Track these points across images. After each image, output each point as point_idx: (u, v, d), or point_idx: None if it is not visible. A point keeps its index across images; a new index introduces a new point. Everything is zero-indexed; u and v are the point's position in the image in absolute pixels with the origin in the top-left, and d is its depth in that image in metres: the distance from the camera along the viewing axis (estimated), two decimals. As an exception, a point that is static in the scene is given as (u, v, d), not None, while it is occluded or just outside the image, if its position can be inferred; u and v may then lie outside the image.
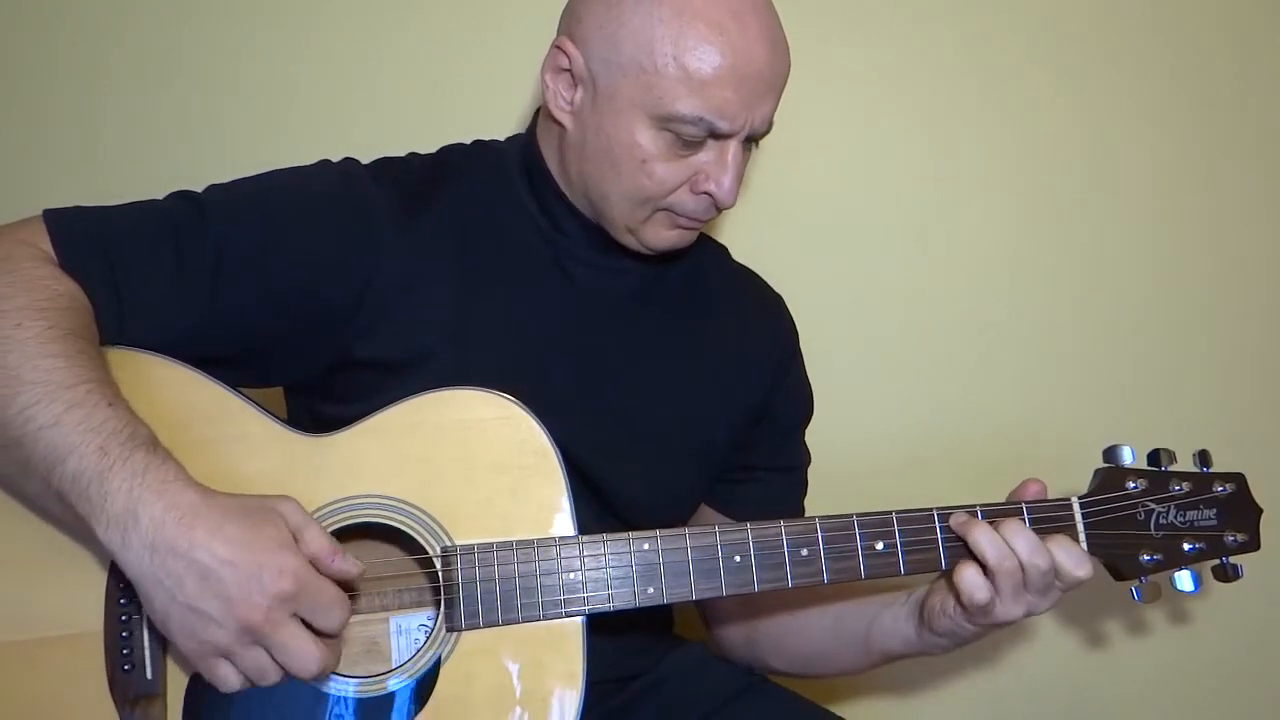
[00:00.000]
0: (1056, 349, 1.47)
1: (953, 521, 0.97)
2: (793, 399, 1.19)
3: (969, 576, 0.96)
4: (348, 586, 0.93)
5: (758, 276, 1.22)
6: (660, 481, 1.07)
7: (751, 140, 1.02)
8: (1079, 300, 1.47)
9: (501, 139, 1.13)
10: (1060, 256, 1.47)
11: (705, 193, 1.00)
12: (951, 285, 1.46)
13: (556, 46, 1.02)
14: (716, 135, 0.98)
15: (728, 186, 0.99)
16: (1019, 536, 0.95)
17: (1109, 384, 1.47)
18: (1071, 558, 0.96)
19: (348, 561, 0.85)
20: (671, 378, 1.09)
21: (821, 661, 1.14)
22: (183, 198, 0.98)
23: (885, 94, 1.44)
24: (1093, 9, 1.45)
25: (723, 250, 1.21)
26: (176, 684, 0.87)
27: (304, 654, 0.81)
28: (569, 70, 1.01)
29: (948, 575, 0.99)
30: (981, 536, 0.95)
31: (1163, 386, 1.48)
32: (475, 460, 0.94)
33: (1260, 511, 1.06)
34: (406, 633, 1.00)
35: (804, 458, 1.22)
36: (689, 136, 0.97)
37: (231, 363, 0.97)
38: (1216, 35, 1.46)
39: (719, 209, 1.03)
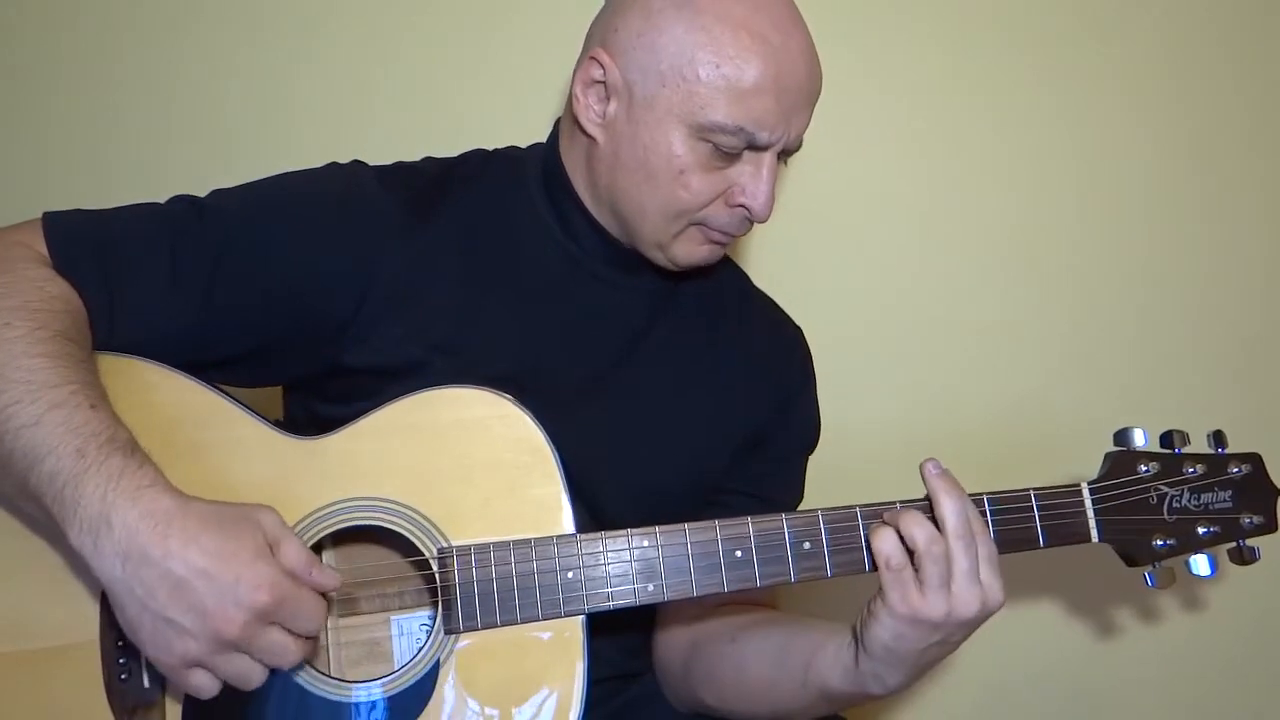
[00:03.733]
0: (1065, 333, 1.46)
1: (886, 516, 0.92)
2: (792, 431, 1.15)
3: (885, 536, 0.90)
4: (342, 598, 0.93)
5: (777, 306, 1.19)
6: (649, 499, 1.04)
7: (785, 154, 1.01)
8: (1088, 283, 1.46)
9: (522, 145, 1.12)
10: (1065, 241, 1.46)
11: (740, 206, 0.99)
12: (957, 273, 1.45)
13: (591, 58, 1.00)
14: (754, 147, 0.97)
15: (763, 200, 0.99)
16: (918, 526, 0.90)
17: (1119, 367, 1.46)
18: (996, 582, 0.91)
19: (325, 574, 0.84)
20: (674, 395, 1.07)
21: (752, 695, 1.03)
22: (183, 201, 0.98)
23: (890, 89, 1.44)
24: (1089, 7, 1.44)
25: (743, 275, 1.19)
26: (174, 692, 0.86)
27: (286, 654, 0.81)
28: (602, 82, 1.00)
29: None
30: (912, 524, 0.90)
31: (1176, 367, 1.46)
32: (471, 459, 0.93)
33: (1278, 492, 1.04)
34: (408, 634, 0.99)
35: (790, 495, 1.15)
36: (727, 148, 0.96)
37: (225, 364, 0.97)
38: (1209, 30, 1.46)
39: (753, 223, 1.02)
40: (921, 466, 0.94)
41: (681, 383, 1.08)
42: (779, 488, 1.15)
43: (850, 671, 0.94)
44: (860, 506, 0.96)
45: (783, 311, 1.19)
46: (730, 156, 0.97)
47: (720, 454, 1.10)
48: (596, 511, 1.02)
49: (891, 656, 0.91)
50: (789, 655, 0.99)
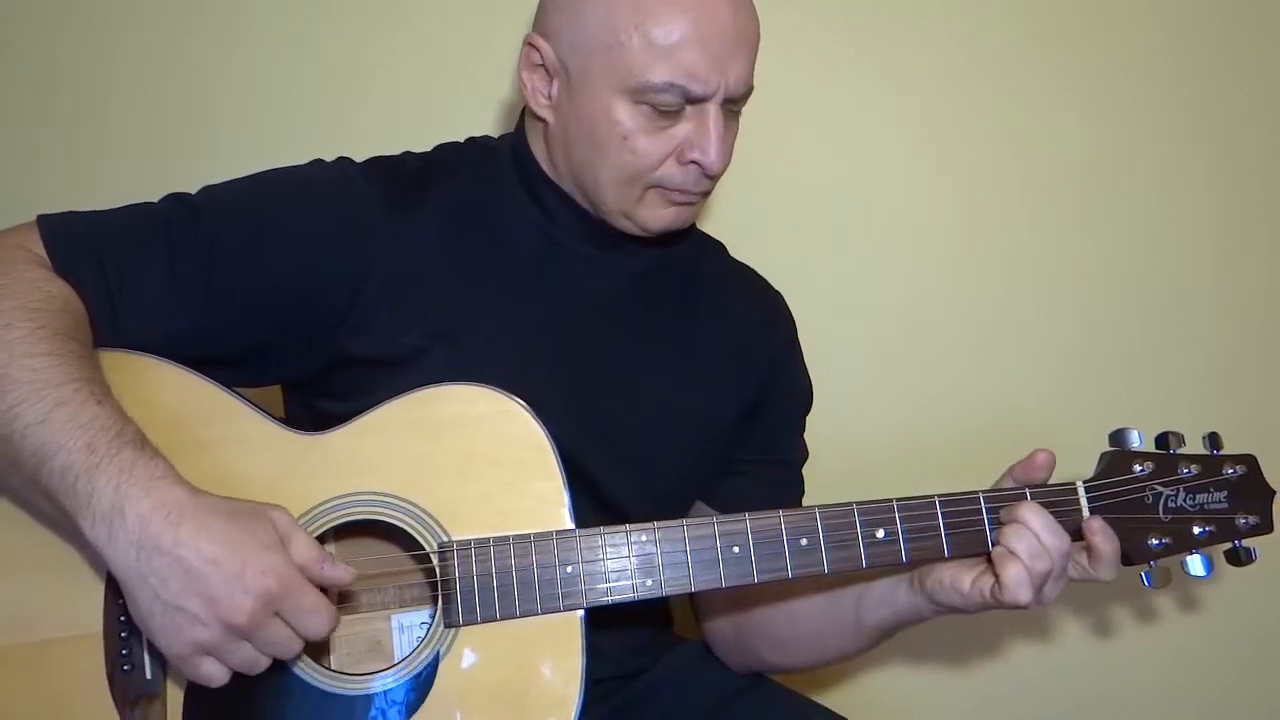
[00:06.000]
0: (1061, 334, 1.46)
1: (1003, 515, 0.97)
2: (787, 395, 1.17)
3: (1015, 575, 0.93)
4: (343, 595, 0.93)
5: (756, 274, 1.21)
6: (652, 478, 1.06)
7: (731, 104, 1.01)
8: (1086, 285, 1.46)
9: (495, 136, 1.14)
10: (1063, 242, 1.46)
11: (692, 162, 1.00)
12: (953, 272, 1.45)
13: (528, 44, 1.03)
14: (692, 100, 0.98)
15: (713, 152, 0.99)
16: (1041, 525, 0.94)
17: (1115, 367, 1.46)
18: (1111, 551, 0.97)
19: (337, 569, 0.84)
20: (665, 374, 1.08)
21: (811, 645, 1.09)
22: (176, 199, 0.98)
23: (884, 88, 1.44)
24: (1093, 7, 1.44)
25: (720, 247, 1.21)
26: (176, 684, 0.87)
27: (291, 649, 0.82)
28: (542, 65, 1.02)
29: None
30: (1020, 543, 0.94)
31: (1171, 369, 1.46)
32: (472, 455, 0.94)
33: (1273, 493, 1.05)
34: (408, 630, 0.99)
35: (798, 454, 1.19)
36: (665, 106, 0.97)
37: (227, 362, 0.98)
38: (1214, 32, 1.46)
39: (709, 178, 1.02)
40: (1018, 511, 0.96)
41: (674, 358, 1.09)
42: (789, 449, 1.18)
43: (903, 612, 1.01)
44: (857, 504, 0.96)
45: (762, 278, 1.20)
46: (672, 114, 0.98)
47: (721, 425, 1.11)
48: (603, 497, 1.03)
49: (952, 610, 0.99)
50: (836, 603, 1.05)
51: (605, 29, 0.96)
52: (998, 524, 0.97)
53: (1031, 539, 0.94)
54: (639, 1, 0.95)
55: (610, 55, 0.96)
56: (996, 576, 0.94)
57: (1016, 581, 0.93)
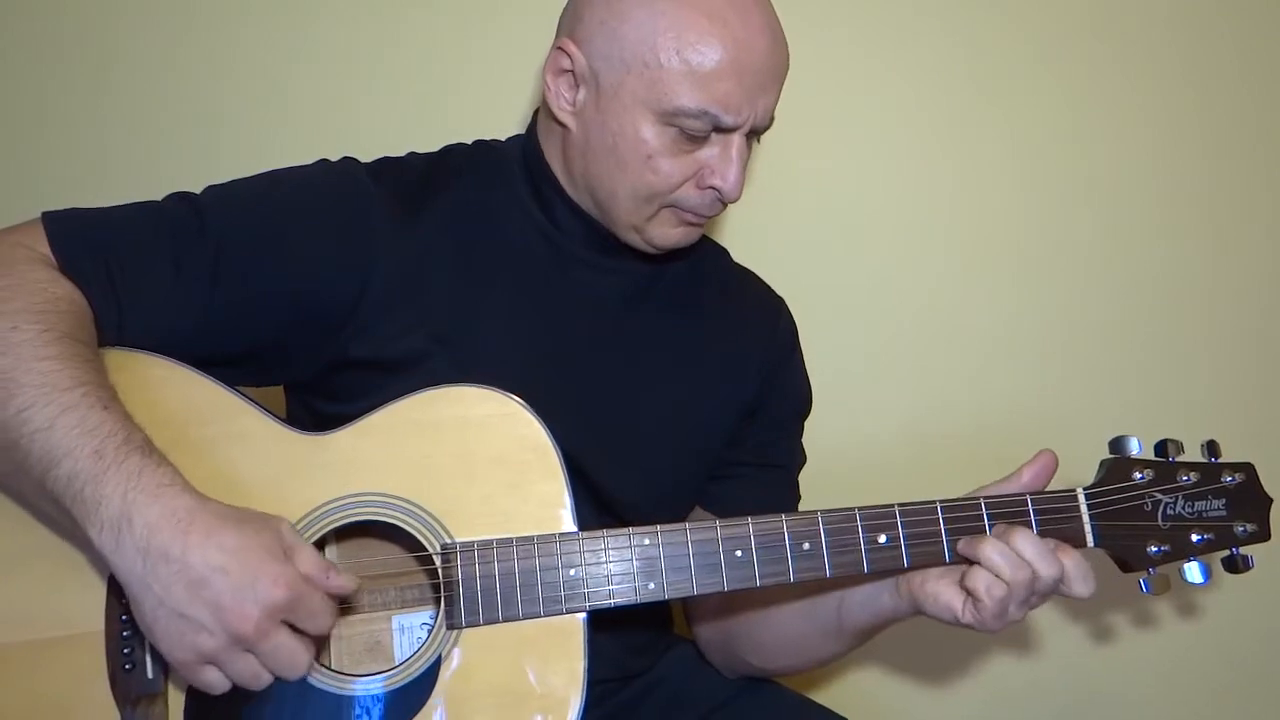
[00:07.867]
0: (1061, 341, 1.47)
1: (961, 547, 0.96)
2: (785, 396, 1.17)
3: (984, 577, 0.94)
4: (346, 601, 0.92)
5: (758, 278, 1.21)
6: (655, 481, 1.06)
7: (754, 134, 1.02)
8: (1084, 292, 1.47)
9: (502, 139, 1.13)
10: (1064, 248, 1.46)
11: (711, 187, 1.00)
12: (955, 280, 1.46)
13: (558, 48, 1.02)
14: (720, 129, 0.98)
15: (733, 180, 1.00)
16: (1028, 545, 0.94)
17: (1115, 375, 1.47)
18: (1080, 570, 0.96)
19: (342, 578, 0.84)
20: (668, 378, 1.08)
21: (794, 649, 1.10)
22: (181, 199, 0.98)
23: (889, 93, 1.44)
24: (1096, 8, 1.45)
25: (723, 251, 1.21)
26: (177, 683, 0.87)
27: (293, 659, 0.81)
28: (571, 71, 1.01)
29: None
30: (992, 552, 0.94)
31: (1170, 377, 1.47)
32: (474, 457, 0.94)
33: (1270, 501, 1.05)
34: (409, 631, 1.00)
35: (795, 458, 1.19)
36: (693, 131, 0.97)
37: (231, 362, 0.98)
38: (1218, 33, 1.46)
39: (724, 204, 1.03)
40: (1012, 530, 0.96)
41: (675, 362, 1.09)
42: (782, 453, 1.17)
43: (884, 614, 1.02)
44: (859, 509, 0.97)
45: (764, 283, 1.21)
46: (697, 139, 0.98)
47: (720, 431, 1.11)
48: (604, 499, 1.03)
49: (936, 619, 0.99)
50: (818, 607, 1.06)
51: (644, 47, 0.96)
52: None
53: (1013, 557, 0.94)
54: (681, 25, 0.95)
55: (646, 74, 0.96)
56: (969, 593, 0.95)
57: (995, 613, 0.94)
